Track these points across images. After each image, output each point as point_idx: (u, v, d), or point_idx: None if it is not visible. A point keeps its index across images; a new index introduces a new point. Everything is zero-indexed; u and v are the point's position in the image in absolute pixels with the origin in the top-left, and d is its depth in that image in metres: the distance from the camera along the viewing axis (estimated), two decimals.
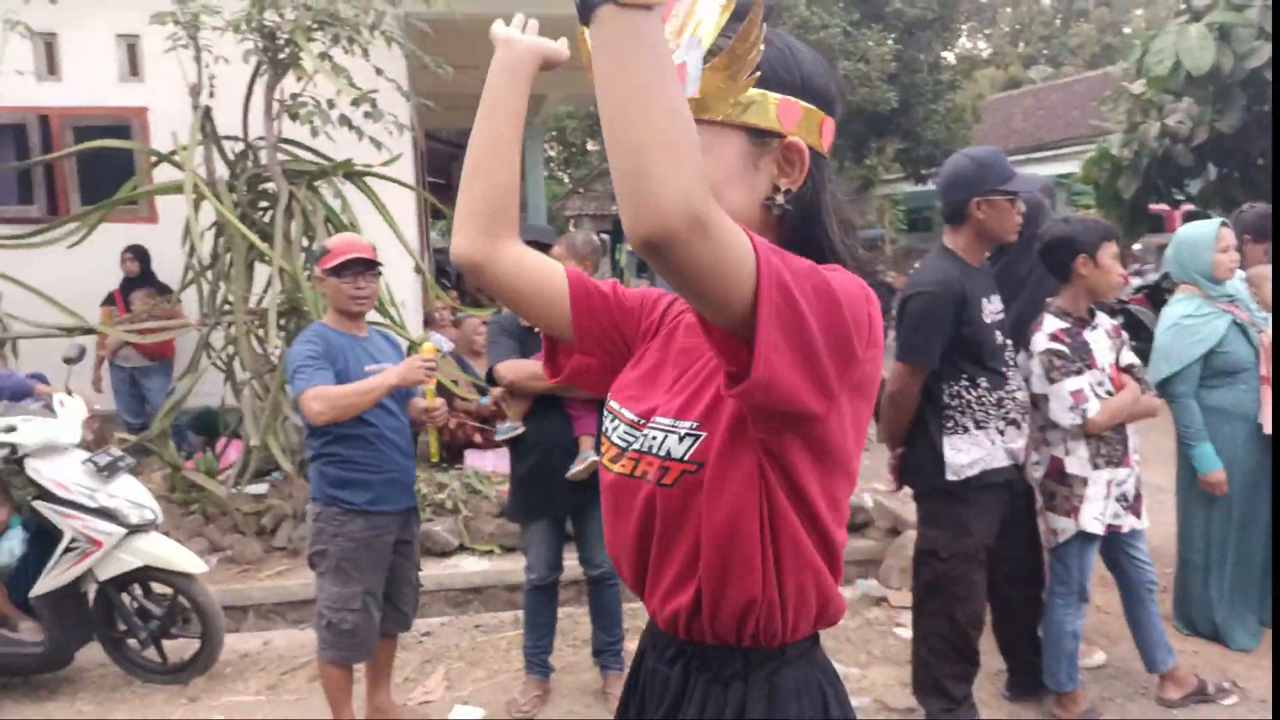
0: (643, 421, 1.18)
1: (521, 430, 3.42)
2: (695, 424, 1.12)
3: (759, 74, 1.07)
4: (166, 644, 3.84)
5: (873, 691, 3.58)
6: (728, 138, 1.10)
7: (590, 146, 25.45)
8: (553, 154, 25.55)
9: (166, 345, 6.79)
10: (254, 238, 5.29)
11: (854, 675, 3.71)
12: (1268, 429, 3.68)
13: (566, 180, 29.14)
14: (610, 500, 1.23)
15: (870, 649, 4.00)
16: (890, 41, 13.64)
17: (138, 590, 3.81)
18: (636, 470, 1.17)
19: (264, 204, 5.86)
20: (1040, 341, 3.20)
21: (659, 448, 1.14)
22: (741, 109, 1.09)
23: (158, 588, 3.83)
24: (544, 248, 3.36)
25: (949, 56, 18.21)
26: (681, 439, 1.12)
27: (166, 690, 3.74)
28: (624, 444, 1.20)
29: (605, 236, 27.85)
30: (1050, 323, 3.23)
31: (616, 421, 1.23)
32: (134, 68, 7.40)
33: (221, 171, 5.76)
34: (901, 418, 3.12)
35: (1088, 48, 30.91)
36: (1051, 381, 3.16)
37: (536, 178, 15.74)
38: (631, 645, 3.94)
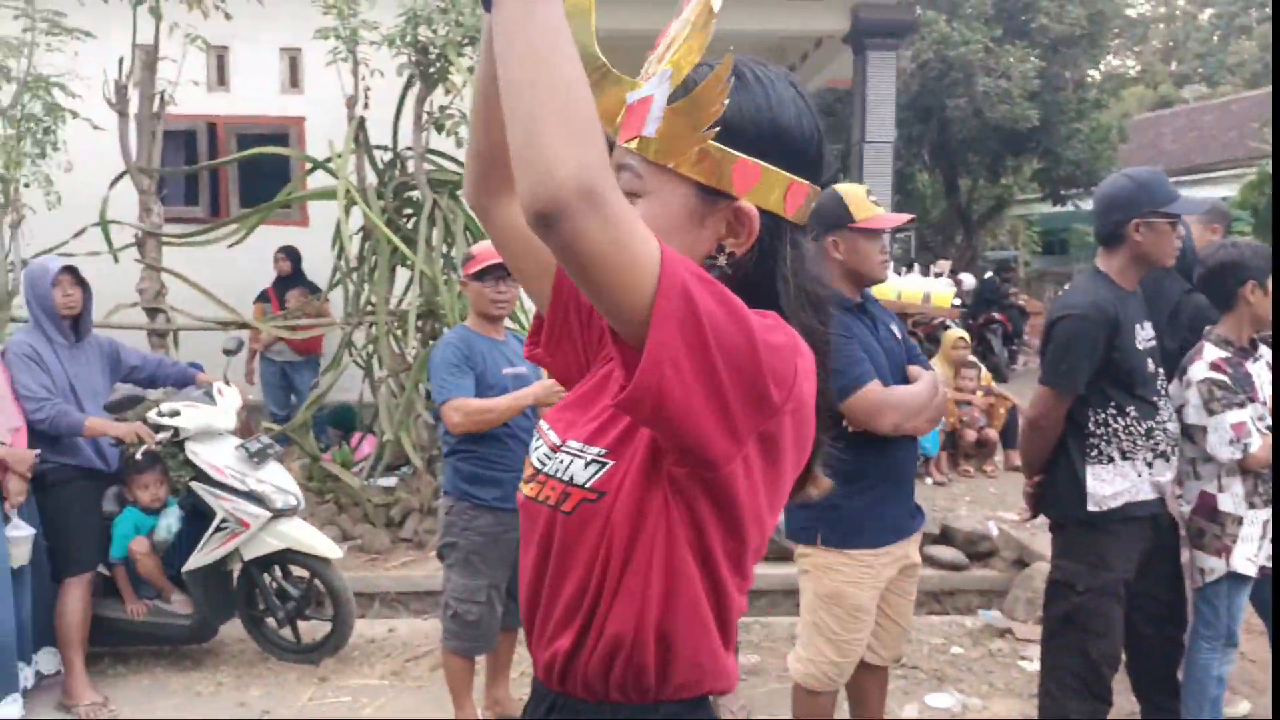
0: (560, 444, 1.12)
1: None
2: (603, 451, 1.06)
3: (719, 128, 1.00)
4: (301, 624, 4.04)
5: None
6: (676, 186, 1.03)
7: None
8: None
9: (316, 341, 7.16)
10: (398, 242, 5.54)
11: (975, 706, 3.61)
12: None
13: None
14: (521, 524, 1.17)
15: (993, 680, 3.88)
16: (1034, 58, 13.18)
17: (278, 571, 4.03)
18: (541, 494, 1.11)
19: (408, 211, 6.13)
20: (1199, 370, 3.05)
21: (564, 472, 1.08)
22: (693, 163, 1.02)
23: (296, 570, 4.04)
24: None
25: (1095, 74, 17.48)
26: (587, 465, 1.06)
27: (299, 669, 3.94)
28: (539, 465, 1.14)
29: None
30: (1210, 351, 3.07)
31: (540, 442, 1.17)
32: (294, 80, 7.86)
33: (371, 179, 6.06)
34: (1042, 444, 3.02)
35: (1248, 66, 29.18)
36: (1211, 413, 3.00)
37: None
38: (746, 659, 3.93)
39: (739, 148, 1.03)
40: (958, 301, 8.01)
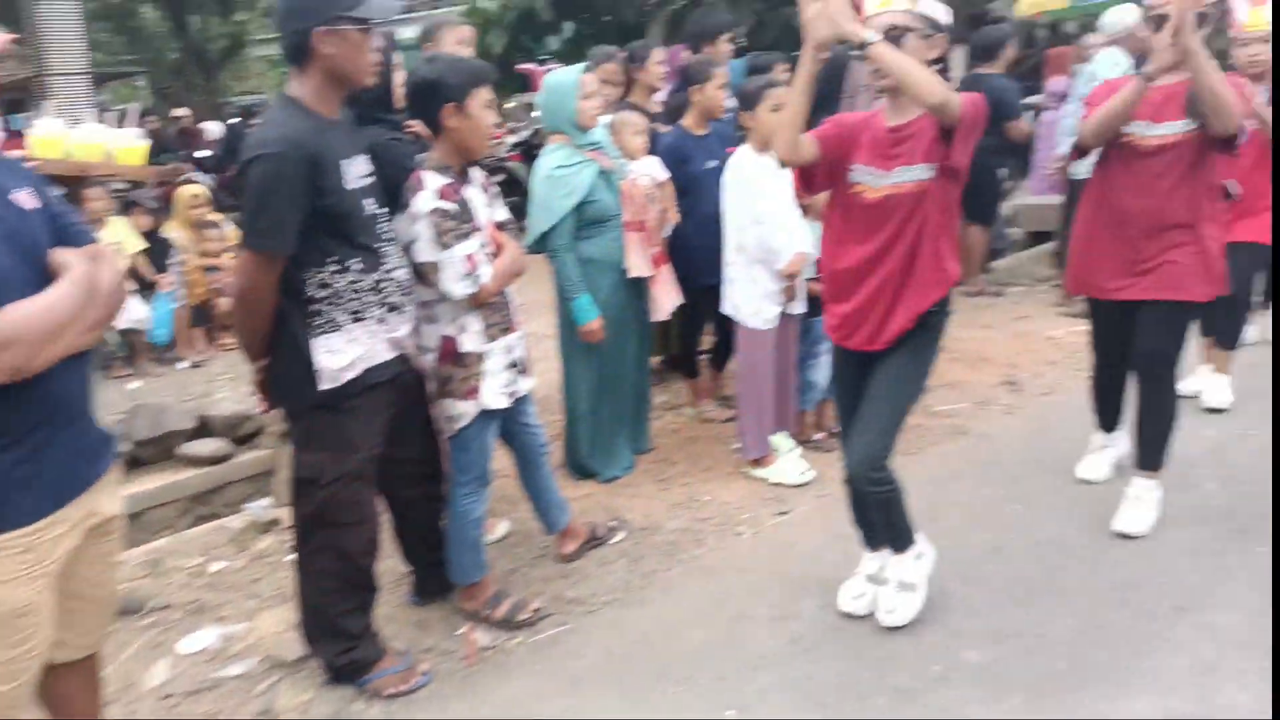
0: None
1: None
2: None
3: None
4: None
5: (263, 647, 2.91)
6: None
7: None
8: None
9: None
10: None
11: (239, 634, 3.00)
12: (633, 273, 3.81)
13: None
14: None
15: (258, 590, 3.29)
16: None
17: None
18: None
19: None
20: (427, 201, 2.70)
21: None
22: None
23: None
24: None
25: None
26: None
27: None
28: None
29: None
30: (433, 179, 2.74)
31: None
32: None
33: None
34: (257, 321, 2.47)
35: None
36: (444, 247, 2.70)
37: None
38: None
39: None
40: (146, 150, 6.87)
